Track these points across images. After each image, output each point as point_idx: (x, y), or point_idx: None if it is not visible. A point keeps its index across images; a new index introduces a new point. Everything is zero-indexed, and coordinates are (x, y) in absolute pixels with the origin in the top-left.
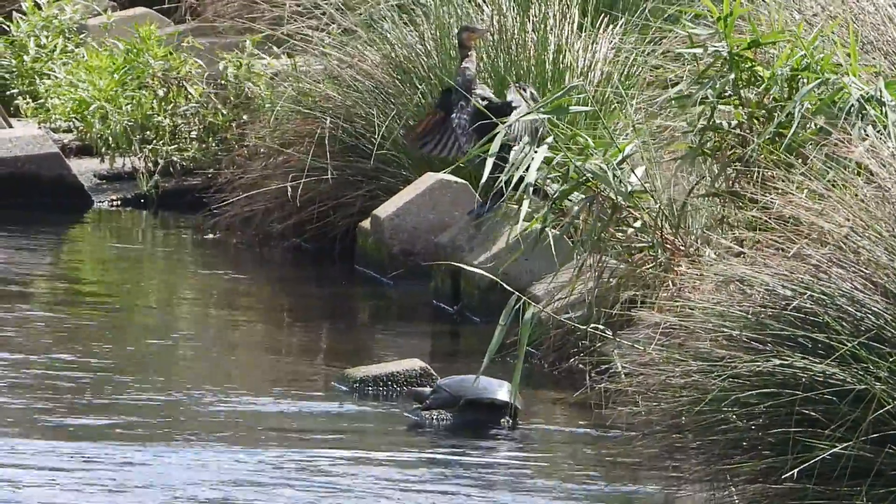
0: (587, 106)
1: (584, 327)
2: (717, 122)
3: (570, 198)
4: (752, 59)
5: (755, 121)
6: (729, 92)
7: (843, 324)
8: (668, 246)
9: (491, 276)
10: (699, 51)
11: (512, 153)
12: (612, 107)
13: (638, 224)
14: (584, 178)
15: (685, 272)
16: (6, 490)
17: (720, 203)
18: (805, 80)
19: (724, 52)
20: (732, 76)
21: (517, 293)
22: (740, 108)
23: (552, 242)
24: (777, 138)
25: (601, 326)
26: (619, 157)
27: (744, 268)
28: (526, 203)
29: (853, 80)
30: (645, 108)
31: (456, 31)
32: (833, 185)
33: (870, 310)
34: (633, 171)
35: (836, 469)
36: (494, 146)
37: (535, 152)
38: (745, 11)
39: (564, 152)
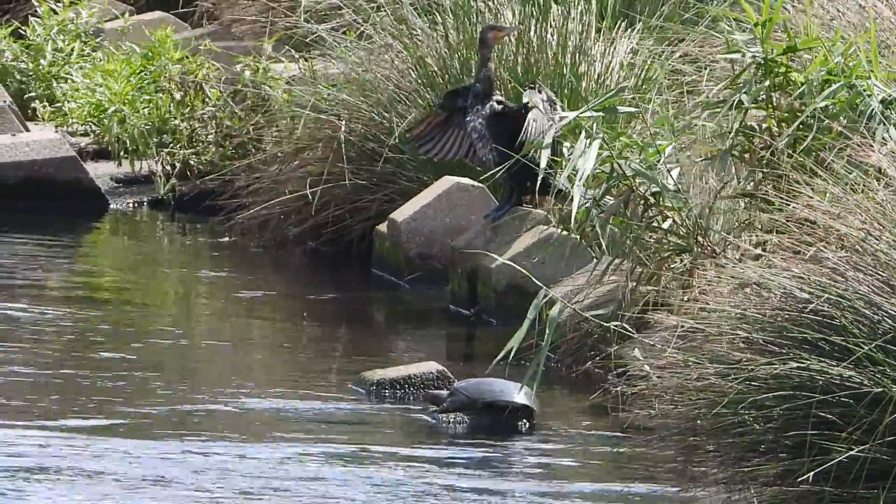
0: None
1: (609, 324)
2: (749, 124)
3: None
4: (787, 65)
5: (783, 125)
6: (762, 96)
7: (860, 327)
8: (697, 247)
9: (518, 267)
10: (737, 56)
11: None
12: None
13: (667, 224)
14: (620, 176)
15: (704, 274)
16: (29, 485)
17: (744, 206)
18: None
19: (759, 58)
20: (767, 83)
21: (545, 287)
22: (772, 111)
23: (603, 238)
24: (801, 141)
25: (626, 325)
26: (662, 158)
27: (761, 270)
28: (577, 199)
29: (875, 83)
30: (664, 111)
31: (480, 30)
32: (853, 189)
33: (887, 313)
34: (670, 173)
35: (852, 472)
36: (542, 160)
37: (587, 149)
38: (783, 18)
39: (612, 151)
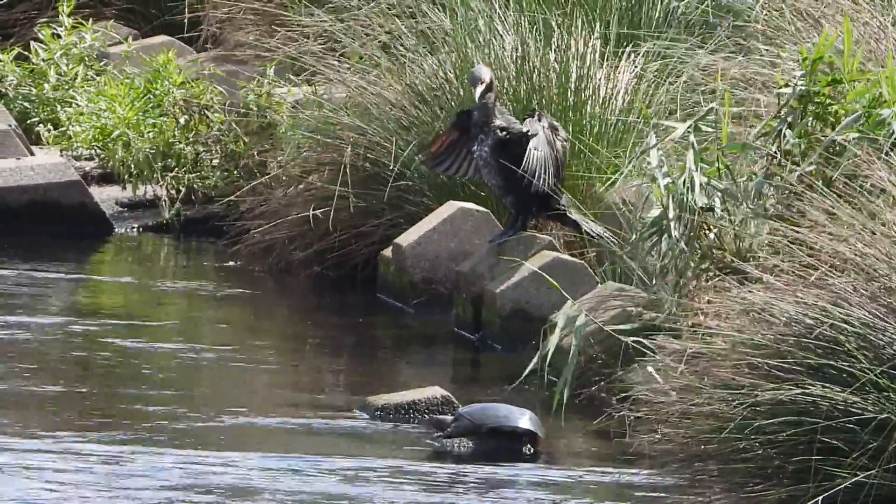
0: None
1: (627, 338)
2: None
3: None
4: (829, 96)
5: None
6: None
7: (865, 352)
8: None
9: (556, 284)
10: (788, 90)
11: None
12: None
13: (711, 235)
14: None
15: (711, 299)
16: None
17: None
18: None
19: (803, 89)
20: (811, 118)
21: (571, 299)
22: (811, 141)
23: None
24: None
25: (644, 342)
26: (729, 174)
27: (765, 295)
28: (672, 211)
29: (894, 110)
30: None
31: (477, 61)
32: (859, 211)
33: (892, 338)
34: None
35: (858, 498)
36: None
37: (694, 173)
38: (833, 61)
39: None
